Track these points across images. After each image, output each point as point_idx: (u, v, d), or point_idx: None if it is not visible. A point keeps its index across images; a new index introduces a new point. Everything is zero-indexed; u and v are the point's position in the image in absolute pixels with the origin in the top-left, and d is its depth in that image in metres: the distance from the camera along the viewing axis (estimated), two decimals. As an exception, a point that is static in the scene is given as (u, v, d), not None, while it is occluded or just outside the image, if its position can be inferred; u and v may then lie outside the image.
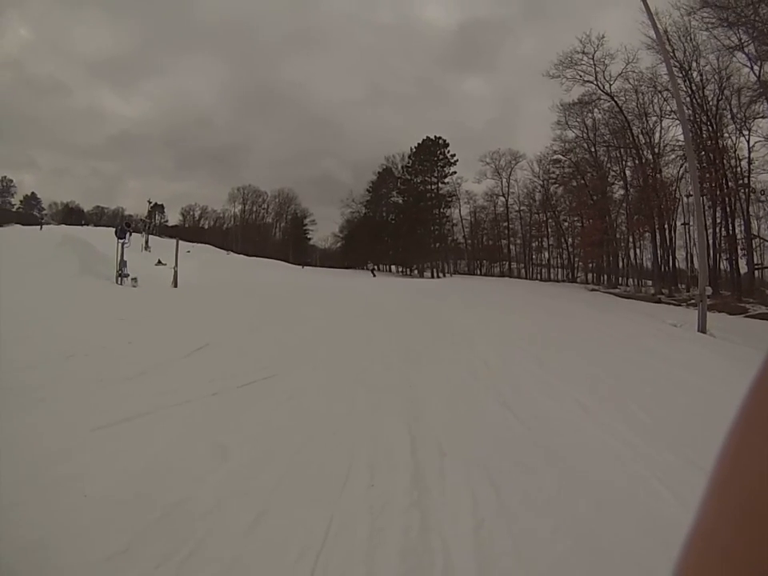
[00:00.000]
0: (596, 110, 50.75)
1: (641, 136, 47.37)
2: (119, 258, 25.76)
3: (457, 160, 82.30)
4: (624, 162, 50.94)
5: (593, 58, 48.26)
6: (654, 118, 46.07)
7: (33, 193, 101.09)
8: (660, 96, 44.16)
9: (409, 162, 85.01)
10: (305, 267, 75.57)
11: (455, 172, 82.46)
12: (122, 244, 26.43)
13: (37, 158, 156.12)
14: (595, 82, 48.62)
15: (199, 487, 4.58)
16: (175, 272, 28.14)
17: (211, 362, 9.61)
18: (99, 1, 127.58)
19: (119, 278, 25.26)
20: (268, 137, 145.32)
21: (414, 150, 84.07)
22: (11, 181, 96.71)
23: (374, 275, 72.58)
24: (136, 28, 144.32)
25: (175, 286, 27.39)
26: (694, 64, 39.58)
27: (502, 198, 79.14)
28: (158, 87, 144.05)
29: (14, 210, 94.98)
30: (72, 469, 4.84)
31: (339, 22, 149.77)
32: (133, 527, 3.89)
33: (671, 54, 35.52)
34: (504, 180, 78.18)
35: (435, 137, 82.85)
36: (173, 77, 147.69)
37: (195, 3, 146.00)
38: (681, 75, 38.50)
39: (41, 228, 50.28)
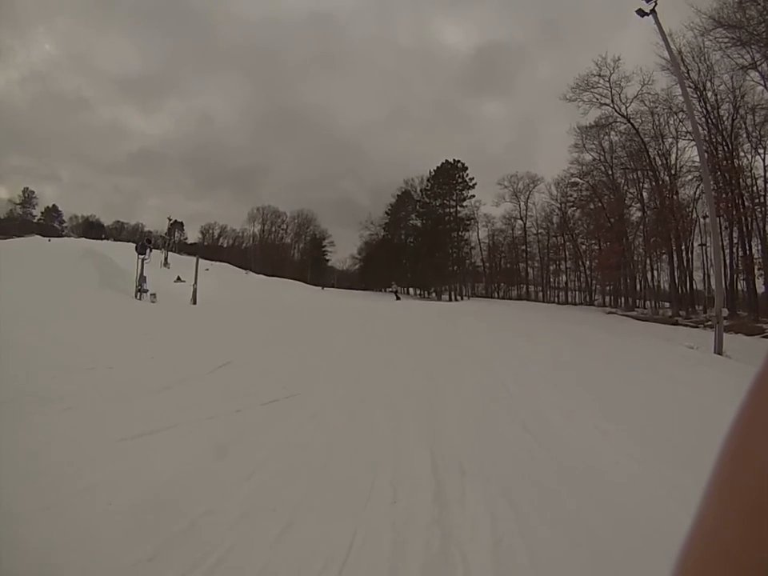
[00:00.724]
0: (613, 132, 50.91)
1: (657, 158, 47.35)
2: (139, 274, 25.99)
3: (475, 183, 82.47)
4: (641, 184, 50.93)
5: (609, 81, 48.51)
6: (670, 140, 46.15)
7: (54, 205, 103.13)
8: (675, 117, 44.23)
9: (428, 185, 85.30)
10: (324, 289, 75.15)
11: (474, 195, 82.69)
12: (142, 260, 26.62)
13: (59, 170, 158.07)
14: (611, 105, 48.82)
15: (225, 500, 4.64)
16: (194, 289, 28.38)
17: (234, 380, 9.66)
18: (124, 20, 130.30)
19: (138, 293, 25.46)
20: (288, 158, 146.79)
21: (433, 173, 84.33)
22: (33, 192, 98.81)
23: (398, 298, 68.43)
24: (160, 49, 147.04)
25: (194, 303, 27.59)
26: (709, 84, 39.68)
27: (519, 221, 79.44)
28: (181, 107, 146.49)
29: (35, 221, 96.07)
30: (96, 478, 4.91)
31: (360, 45, 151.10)
32: (159, 536, 3.94)
33: (686, 75, 35.59)
34: (522, 203, 78.53)
35: (454, 160, 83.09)
36: (195, 97, 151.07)
37: (219, 26, 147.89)
38: (695, 96, 38.54)
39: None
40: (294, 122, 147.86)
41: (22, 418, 6.40)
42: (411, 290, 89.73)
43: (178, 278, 37.25)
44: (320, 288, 74.61)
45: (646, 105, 46.77)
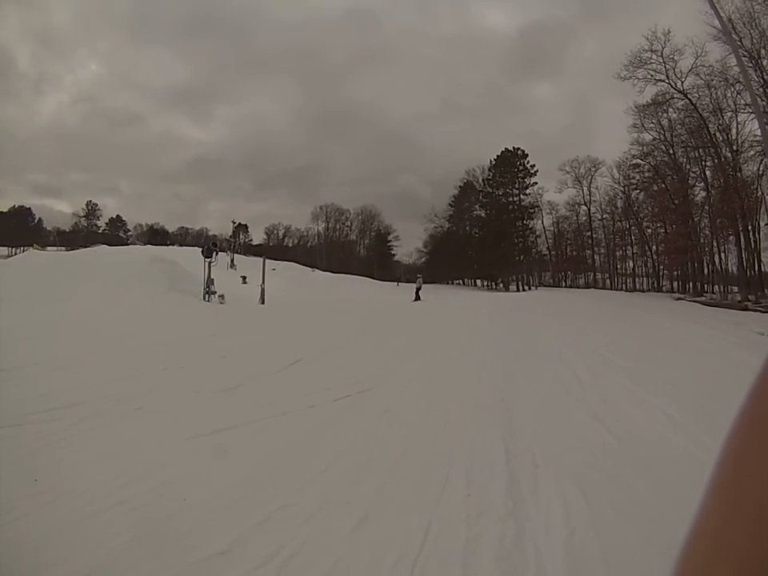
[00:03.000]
0: (670, 109, 49.15)
1: (718, 133, 44.94)
2: (206, 276, 26.43)
3: (537, 170, 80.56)
4: (703, 162, 48.87)
5: (662, 56, 46.43)
6: (730, 113, 43.65)
7: (118, 215, 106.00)
8: (732, 89, 41.70)
9: (489, 175, 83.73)
10: (399, 284, 74.22)
11: (536, 183, 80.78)
12: (209, 263, 27.03)
13: (118, 183, 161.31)
14: (667, 80, 46.87)
15: (300, 495, 4.69)
16: (262, 289, 28.69)
17: (306, 377, 9.74)
18: (165, 34, 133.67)
19: (207, 295, 25.89)
20: (345, 155, 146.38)
21: (494, 162, 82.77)
22: (96, 204, 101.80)
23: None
24: (205, 58, 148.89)
25: (262, 302, 27.86)
26: (763, 51, 37.30)
27: (584, 207, 77.40)
28: (232, 113, 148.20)
29: (100, 231, 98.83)
30: (171, 475, 5.03)
31: (403, 37, 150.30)
32: (233, 531, 4.01)
33: (738, 43, 33.97)
34: (585, 188, 76.60)
35: (514, 148, 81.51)
36: (246, 102, 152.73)
37: (260, 31, 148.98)
38: (751, 65, 35.93)
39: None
40: (346, 118, 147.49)
41: (95, 418, 6.63)
42: (478, 282, 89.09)
43: (243, 279, 37.70)
44: (395, 284, 73.81)
45: (701, 78, 44.63)
